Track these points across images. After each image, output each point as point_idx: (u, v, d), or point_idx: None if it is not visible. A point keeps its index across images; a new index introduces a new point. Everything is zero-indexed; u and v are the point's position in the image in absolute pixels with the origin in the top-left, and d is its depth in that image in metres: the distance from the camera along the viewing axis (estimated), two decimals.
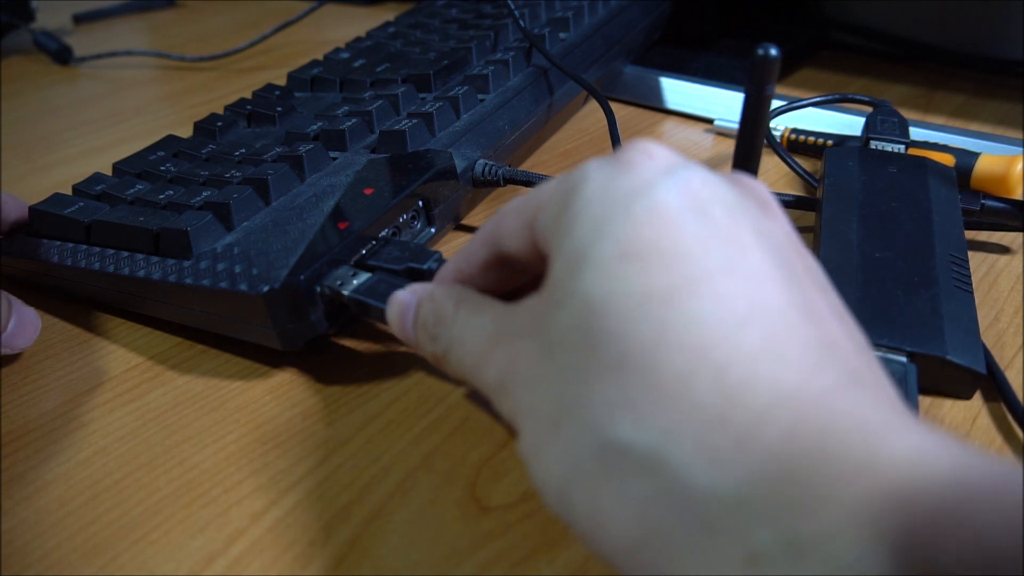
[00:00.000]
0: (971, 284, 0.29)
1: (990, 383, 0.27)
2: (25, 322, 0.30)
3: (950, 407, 0.27)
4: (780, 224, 0.19)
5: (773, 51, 0.20)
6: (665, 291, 0.16)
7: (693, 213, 0.17)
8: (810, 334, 0.16)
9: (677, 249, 0.16)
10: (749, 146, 0.22)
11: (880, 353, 0.26)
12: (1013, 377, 0.28)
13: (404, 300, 0.24)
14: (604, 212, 0.17)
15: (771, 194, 0.20)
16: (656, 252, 0.16)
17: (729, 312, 0.15)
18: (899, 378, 0.25)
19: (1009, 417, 0.26)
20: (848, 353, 0.16)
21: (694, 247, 0.16)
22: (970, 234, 0.36)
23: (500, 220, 0.22)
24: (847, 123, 0.45)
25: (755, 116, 0.21)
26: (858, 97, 0.43)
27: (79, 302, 0.33)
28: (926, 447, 0.13)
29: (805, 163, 0.42)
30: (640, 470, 0.15)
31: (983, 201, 0.34)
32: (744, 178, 0.20)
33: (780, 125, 0.45)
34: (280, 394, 0.28)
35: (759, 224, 0.18)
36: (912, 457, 0.13)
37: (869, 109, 0.43)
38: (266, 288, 0.26)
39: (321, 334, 0.28)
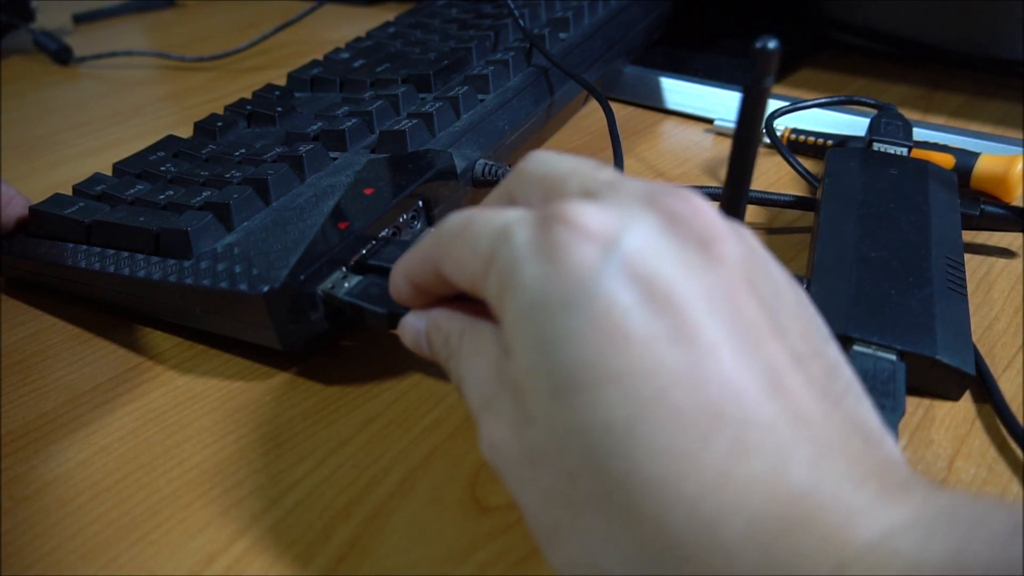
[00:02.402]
0: (966, 287, 0.29)
1: (979, 385, 0.27)
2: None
3: (949, 408, 0.27)
4: (726, 264, 0.17)
5: (772, 43, 0.20)
6: (626, 422, 0.15)
7: (637, 307, 0.16)
8: (775, 415, 0.15)
9: (628, 369, 0.15)
10: (747, 138, 0.22)
11: (870, 350, 0.26)
12: (1013, 377, 0.28)
13: (415, 327, 0.23)
14: (545, 331, 0.16)
15: (709, 214, 0.18)
16: (607, 378, 0.15)
17: (692, 431, 0.15)
18: (888, 376, 0.25)
19: (1001, 425, 0.26)
20: (814, 418, 0.16)
21: (645, 361, 0.15)
22: (971, 235, 0.36)
23: (442, 253, 0.20)
24: (847, 123, 0.45)
25: (753, 108, 0.21)
26: (864, 100, 0.43)
27: (79, 302, 0.33)
28: (887, 537, 0.14)
29: (804, 162, 0.42)
30: None
31: (983, 207, 0.34)
32: (680, 209, 0.17)
33: (780, 125, 0.45)
34: (280, 394, 0.28)
35: (704, 282, 0.17)
36: (875, 556, 0.13)
37: (870, 111, 0.43)
38: (266, 288, 0.26)
39: (321, 334, 0.28)
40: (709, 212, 0.18)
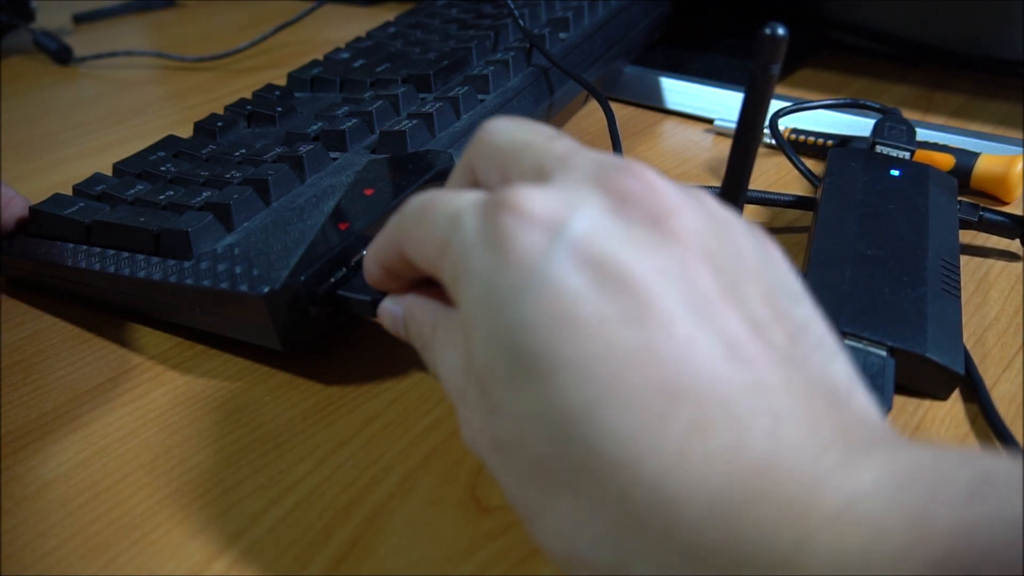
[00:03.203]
0: (960, 289, 0.29)
1: (968, 386, 0.27)
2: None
3: (948, 409, 0.27)
4: (678, 239, 0.17)
5: (780, 30, 0.20)
6: (583, 406, 0.15)
7: (587, 289, 0.16)
8: (732, 388, 0.15)
9: (582, 352, 0.15)
10: (751, 126, 0.22)
11: (861, 345, 0.26)
12: (1013, 377, 0.28)
13: (392, 312, 0.23)
14: (497, 320, 0.16)
15: (661, 190, 0.17)
16: (562, 363, 0.15)
17: (649, 411, 0.15)
18: (877, 371, 0.25)
19: (991, 425, 0.26)
20: (774, 386, 0.16)
21: (598, 344, 0.15)
22: (970, 236, 0.36)
23: (404, 238, 0.21)
24: (847, 123, 0.45)
25: (759, 95, 0.21)
26: (870, 104, 0.43)
27: (79, 302, 0.33)
28: (849, 506, 0.13)
29: (804, 162, 0.42)
30: None
31: (981, 213, 0.34)
32: (629, 187, 0.17)
33: (780, 125, 0.45)
34: (280, 394, 0.28)
35: (655, 259, 0.16)
36: (837, 527, 0.13)
37: (869, 112, 0.43)
38: (266, 289, 0.26)
39: (321, 334, 0.28)
40: (660, 187, 0.18)
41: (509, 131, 0.20)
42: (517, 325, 0.16)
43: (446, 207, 0.19)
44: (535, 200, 0.17)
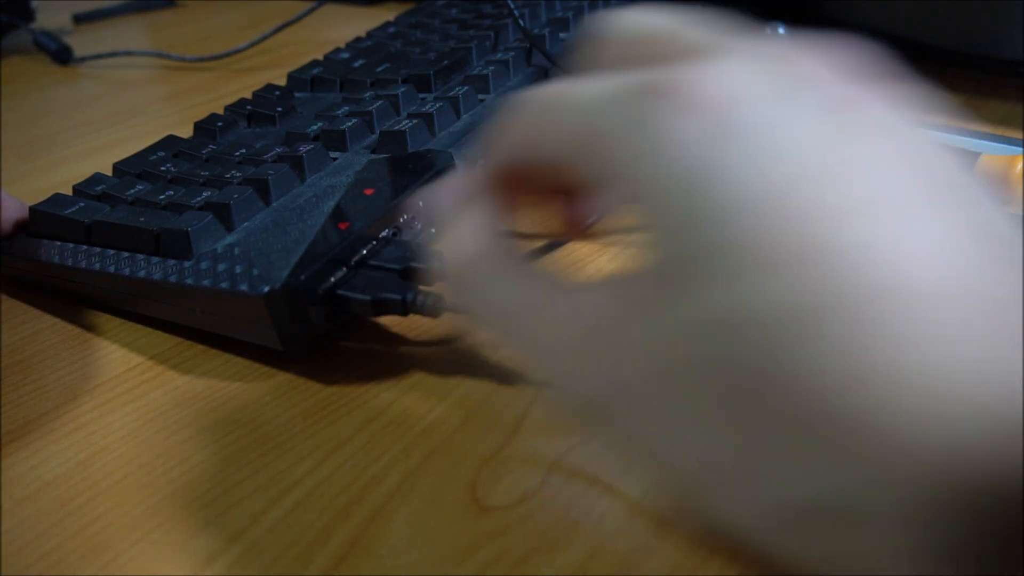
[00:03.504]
0: None
1: None
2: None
3: None
4: (871, 130, 0.14)
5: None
6: (792, 313, 0.13)
7: (789, 182, 0.14)
8: (973, 292, 0.13)
9: (792, 249, 0.13)
10: None
11: None
12: None
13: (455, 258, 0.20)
14: (688, 216, 0.14)
15: (837, 75, 0.15)
16: (765, 263, 0.13)
17: (876, 318, 0.13)
18: None
19: None
20: (1008, 302, 0.13)
21: (807, 242, 0.13)
22: None
23: (533, 132, 0.18)
24: None
25: None
26: None
27: (79, 302, 0.33)
28: None
29: None
30: (842, 525, 0.13)
31: None
32: (805, 70, 0.15)
33: None
34: (280, 394, 0.28)
35: (858, 152, 0.14)
36: None
37: None
38: (267, 288, 0.26)
39: (321, 334, 0.28)
40: (838, 76, 0.15)
41: (641, 20, 0.18)
42: (713, 219, 0.14)
43: (586, 93, 0.16)
44: (704, 80, 0.14)
